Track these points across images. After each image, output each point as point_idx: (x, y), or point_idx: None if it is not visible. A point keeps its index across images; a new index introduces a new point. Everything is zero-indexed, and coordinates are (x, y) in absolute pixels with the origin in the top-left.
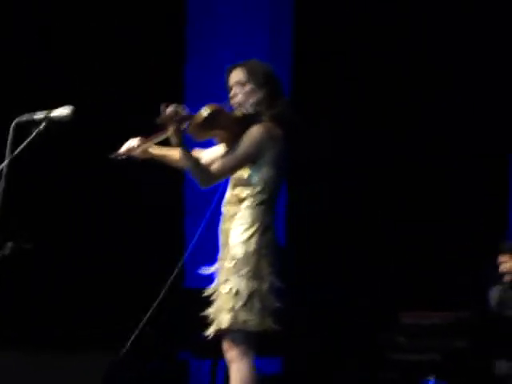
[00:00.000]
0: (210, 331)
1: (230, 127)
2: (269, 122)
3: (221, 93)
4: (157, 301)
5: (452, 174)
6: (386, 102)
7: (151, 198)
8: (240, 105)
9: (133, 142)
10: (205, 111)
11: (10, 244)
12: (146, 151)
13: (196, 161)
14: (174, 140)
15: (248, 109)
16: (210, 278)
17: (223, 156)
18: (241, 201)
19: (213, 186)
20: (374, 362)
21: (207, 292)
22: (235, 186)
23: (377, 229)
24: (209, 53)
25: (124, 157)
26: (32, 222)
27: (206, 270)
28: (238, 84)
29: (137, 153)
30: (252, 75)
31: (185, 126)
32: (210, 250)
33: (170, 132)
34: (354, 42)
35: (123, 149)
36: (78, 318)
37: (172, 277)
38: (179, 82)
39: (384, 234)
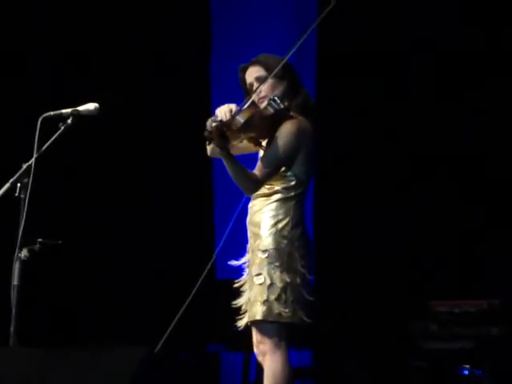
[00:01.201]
0: (242, 323)
1: (263, 126)
2: (298, 116)
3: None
4: (190, 296)
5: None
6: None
7: (180, 191)
8: (266, 100)
9: None
10: (243, 116)
11: (39, 240)
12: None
13: (241, 169)
14: (218, 149)
15: (278, 104)
16: (239, 270)
17: (262, 159)
18: (272, 194)
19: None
20: (406, 350)
21: (238, 283)
22: None
23: (406, 218)
24: (233, 50)
25: None
26: (60, 217)
27: (236, 262)
28: (259, 80)
29: None
30: (270, 69)
31: (226, 133)
32: (239, 242)
33: (215, 142)
34: (379, 44)
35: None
36: (109, 313)
37: (205, 272)
38: (205, 79)
39: (415, 222)
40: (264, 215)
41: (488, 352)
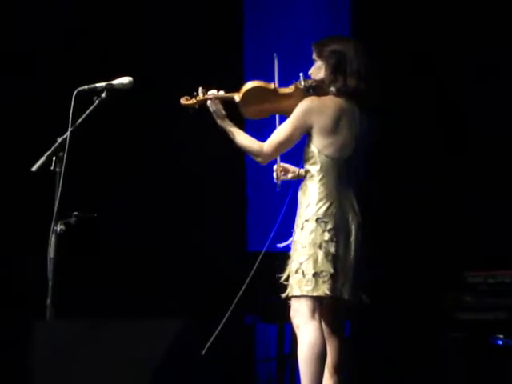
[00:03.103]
0: (284, 296)
1: (280, 102)
2: (334, 97)
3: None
4: (246, 281)
5: None
6: None
7: (213, 170)
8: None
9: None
10: (244, 87)
11: (74, 213)
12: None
13: (242, 135)
14: (215, 117)
15: (300, 83)
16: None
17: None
18: (306, 174)
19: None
20: (440, 322)
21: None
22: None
23: (441, 188)
24: (266, 24)
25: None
26: (96, 190)
27: (282, 244)
28: (313, 62)
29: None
30: (319, 54)
31: (216, 103)
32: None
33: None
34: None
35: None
36: (144, 286)
37: (245, 285)
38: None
39: (450, 192)
40: (299, 197)
41: None
